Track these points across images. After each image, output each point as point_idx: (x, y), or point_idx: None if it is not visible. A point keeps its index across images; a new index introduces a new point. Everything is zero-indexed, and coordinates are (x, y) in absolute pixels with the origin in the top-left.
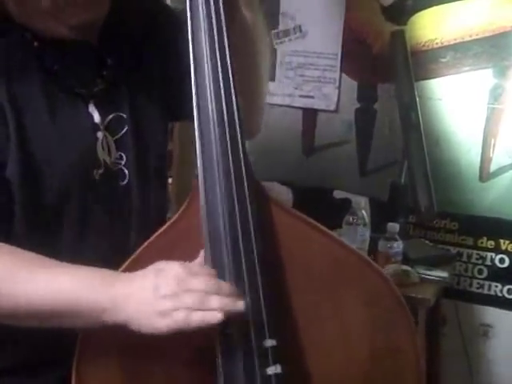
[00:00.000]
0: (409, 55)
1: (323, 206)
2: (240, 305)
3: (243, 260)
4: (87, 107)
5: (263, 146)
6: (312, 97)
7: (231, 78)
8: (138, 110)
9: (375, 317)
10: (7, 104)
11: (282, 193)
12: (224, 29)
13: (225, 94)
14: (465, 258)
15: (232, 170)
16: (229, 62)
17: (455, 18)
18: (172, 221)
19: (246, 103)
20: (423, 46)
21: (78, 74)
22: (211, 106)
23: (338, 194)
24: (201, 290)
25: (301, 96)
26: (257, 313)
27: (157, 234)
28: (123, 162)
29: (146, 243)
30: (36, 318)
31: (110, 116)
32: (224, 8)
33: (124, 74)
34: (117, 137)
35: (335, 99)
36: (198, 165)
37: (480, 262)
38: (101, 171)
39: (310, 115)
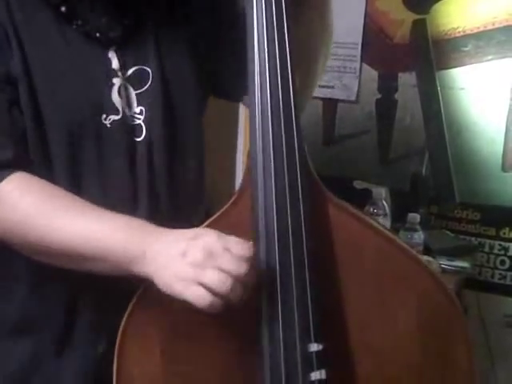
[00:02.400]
0: (430, 44)
1: (344, 196)
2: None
3: (292, 257)
4: (107, 52)
5: None
6: (332, 87)
7: (289, 68)
8: (169, 70)
9: (428, 321)
10: (10, 29)
11: None
12: (284, 18)
13: (281, 83)
14: (487, 249)
15: (285, 163)
16: (288, 52)
17: (477, 6)
18: (221, 211)
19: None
20: (445, 34)
21: (94, 18)
22: (267, 96)
23: (359, 184)
24: (227, 271)
25: (321, 86)
26: (303, 315)
27: (204, 224)
28: (142, 117)
29: None
30: (68, 257)
31: (134, 68)
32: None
33: (154, 28)
34: (140, 90)
35: (355, 89)
36: (251, 155)
37: (502, 252)
38: (114, 118)
39: (330, 105)
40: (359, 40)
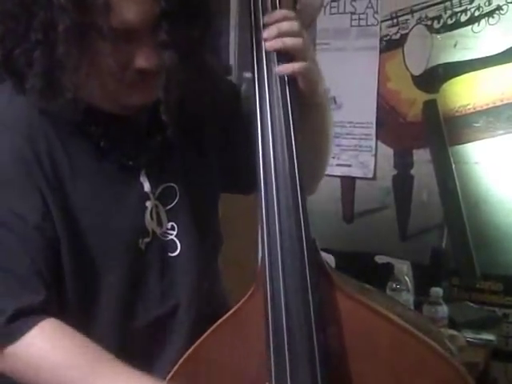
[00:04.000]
0: (442, 123)
1: (366, 271)
2: None
3: (302, 352)
4: (139, 176)
5: None
6: (349, 165)
7: (297, 171)
8: (191, 182)
9: None
10: (51, 175)
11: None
12: (290, 112)
13: (291, 182)
14: (511, 319)
15: (294, 259)
16: (294, 149)
17: (486, 84)
18: (236, 307)
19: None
20: (456, 111)
21: (126, 147)
22: (274, 196)
23: (380, 259)
24: None
25: (338, 165)
26: None
27: (215, 326)
28: (175, 233)
29: (202, 338)
30: None
31: (162, 186)
32: (292, 95)
33: (176, 144)
34: (169, 207)
35: (372, 167)
36: (262, 253)
37: None
38: (147, 240)
39: (348, 183)
40: (373, 119)
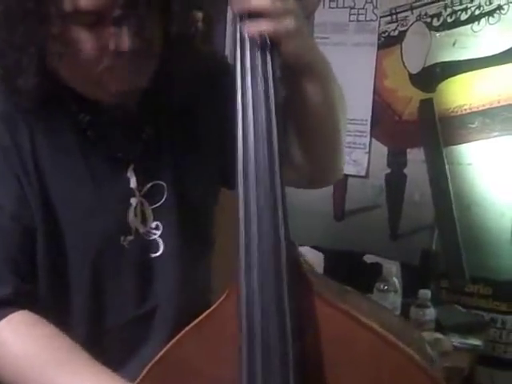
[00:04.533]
0: (437, 123)
1: (354, 271)
2: None
3: (277, 359)
4: (126, 171)
5: (295, 210)
6: None
7: (277, 167)
8: (182, 180)
9: None
10: (31, 164)
11: (313, 258)
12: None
13: (270, 184)
14: (499, 324)
15: (271, 261)
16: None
17: (483, 84)
18: (205, 314)
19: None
20: (452, 111)
21: (115, 138)
22: (253, 190)
23: (369, 259)
24: None
25: None
26: None
27: (187, 328)
28: (159, 233)
29: (174, 340)
30: None
31: (150, 183)
32: (275, 81)
33: (168, 140)
34: (155, 205)
35: (365, 164)
36: (238, 253)
37: None
38: (130, 238)
39: (340, 180)
40: (368, 116)
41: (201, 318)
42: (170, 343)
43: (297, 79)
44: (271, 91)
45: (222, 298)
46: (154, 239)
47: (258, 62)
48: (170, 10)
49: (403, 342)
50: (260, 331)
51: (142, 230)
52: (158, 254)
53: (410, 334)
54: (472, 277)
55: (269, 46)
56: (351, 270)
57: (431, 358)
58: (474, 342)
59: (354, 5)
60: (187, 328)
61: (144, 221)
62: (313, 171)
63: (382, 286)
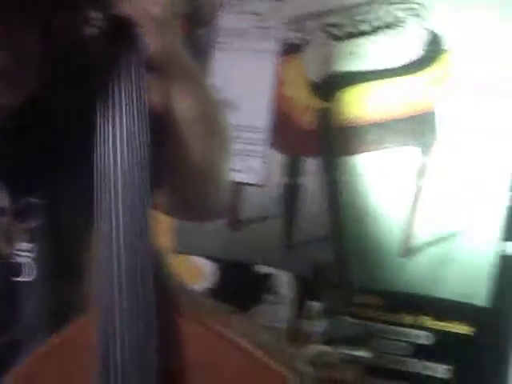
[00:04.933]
0: (334, 132)
1: (246, 282)
2: None
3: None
4: None
5: None
6: (238, 170)
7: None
8: (59, 200)
9: None
10: None
11: (208, 268)
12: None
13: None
14: (388, 335)
15: (134, 279)
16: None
17: (379, 96)
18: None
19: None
20: (348, 122)
21: None
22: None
23: (261, 270)
24: None
25: None
26: None
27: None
28: (28, 255)
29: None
30: None
31: (23, 200)
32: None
33: (45, 157)
34: (27, 225)
35: (262, 173)
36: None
37: (404, 339)
38: None
39: (235, 189)
40: (266, 124)
41: (52, 341)
42: (19, 367)
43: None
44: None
45: (79, 321)
46: (21, 262)
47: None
48: (52, 22)
49: (275, 362)
50: (119, 356)
51: (7, 251)
52: (25, 278)
53: (281, 353)
54: (363, 288)
55: None
56: (242, 281)
57: (302, 374)
58: (363, 353)
59: (257, 11)
60: (36, 352)
61: (9, 242)
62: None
63: (272, 298)
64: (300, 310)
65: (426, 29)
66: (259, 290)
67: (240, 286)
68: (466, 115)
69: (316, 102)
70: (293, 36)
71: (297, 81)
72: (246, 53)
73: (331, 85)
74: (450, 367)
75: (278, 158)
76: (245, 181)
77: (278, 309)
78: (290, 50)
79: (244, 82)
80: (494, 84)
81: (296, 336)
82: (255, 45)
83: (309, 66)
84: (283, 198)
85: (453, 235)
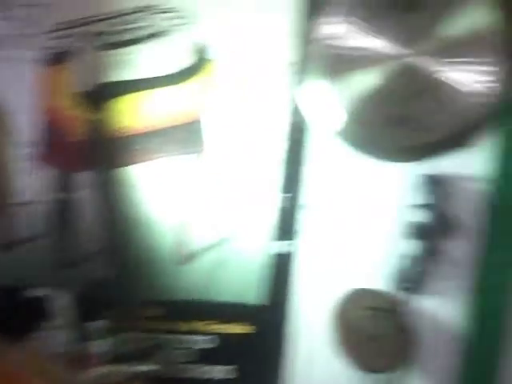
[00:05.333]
0: (106, 144)
1: (16, 308)
2: None
3: None
4: None
5: None
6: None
7: None
8: None
9: None
10: None
11: None
12: None
13: None
14: (173, 345)
15: None
16: None
17: (149, 105)
18: None
19: None
20: (120, 132)
21: None
22: None
23: (34, 293)
24: None
25: None
26: None
27: None
28: None
29: None
30: None
31: None
32: None
33: None
34: None
35: (30, 190)
36: None
37: (188, 346)
38: None
39: (2, 209)
40: (33, 138)
41: None
42: None
43: None
44: None
45: None
46: None
47: None
48: None
49: None
50: None
51: None
52: None
53: (64, 381)
54: (145, 300)
55: None
56: (13, 308)
57: None
58: (149, 366)
59: (18, 17)
60: None
61: None
62: None
63: (50, 322)
64: (82, 332)
65: (192, 39)
66: (34, 315)
67: (9, 314)
68: (232, 121)
69: (86, 113)
70: (58, 45)
71: (65, 92)
72: (7, 63)
73: (101, 95)
74: (235, 367)
75: (48, 173)
76: (12, 200)
77: (59, 333)
78: (57, 59)
79: (6, 95)
80: (256, 90)
81: (80, 359)
82: (17, 54)
83: (77, 76)
84: (55, 214)
85: (226, 239)
